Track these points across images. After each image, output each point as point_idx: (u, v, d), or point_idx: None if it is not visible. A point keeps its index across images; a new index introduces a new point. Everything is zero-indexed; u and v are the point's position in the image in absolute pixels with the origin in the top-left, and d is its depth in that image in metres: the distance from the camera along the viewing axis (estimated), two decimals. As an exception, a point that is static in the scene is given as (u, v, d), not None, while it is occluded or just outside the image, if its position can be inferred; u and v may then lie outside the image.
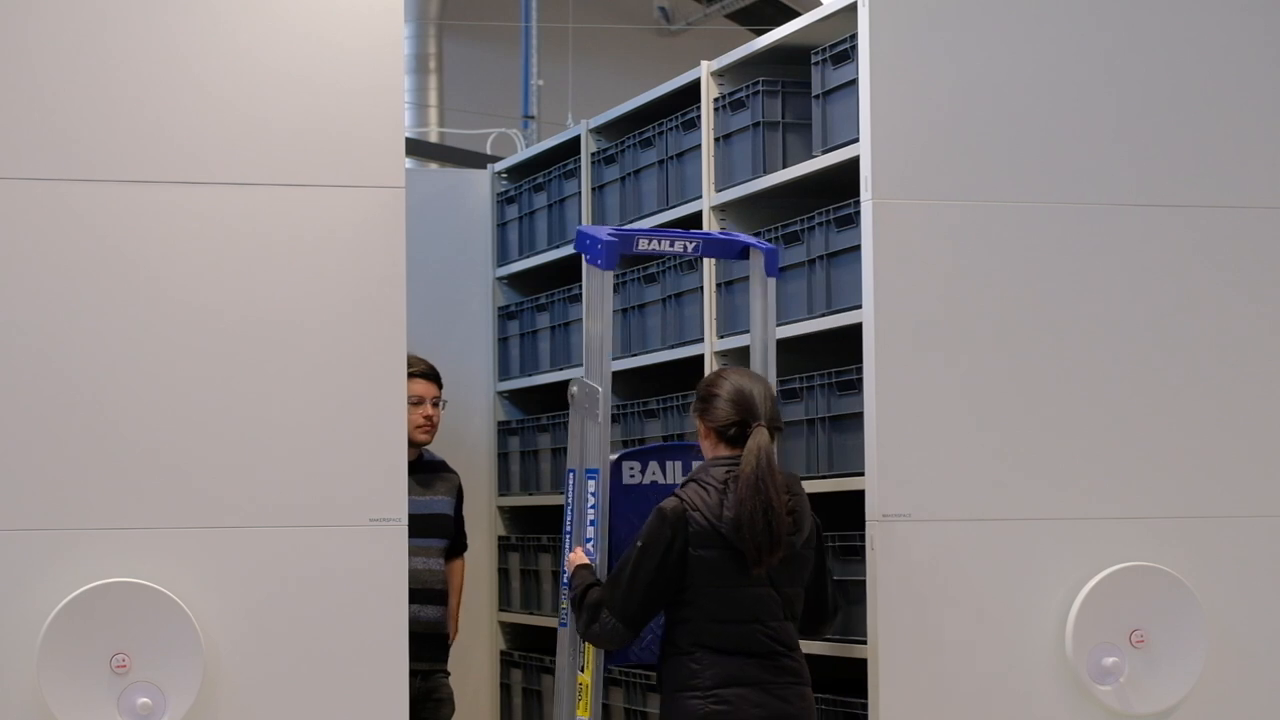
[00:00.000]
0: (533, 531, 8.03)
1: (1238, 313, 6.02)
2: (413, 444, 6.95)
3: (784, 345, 6.48)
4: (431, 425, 7.13)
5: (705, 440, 5.55)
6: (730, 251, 6.01)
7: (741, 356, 6.73)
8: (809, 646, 6.20)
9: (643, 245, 5.88)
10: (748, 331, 6.54)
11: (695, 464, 5.69)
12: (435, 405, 7.14)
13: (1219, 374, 6.00)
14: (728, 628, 5.39)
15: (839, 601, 5.73)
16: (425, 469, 7.17)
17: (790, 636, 5.48)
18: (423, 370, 7.08)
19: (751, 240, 5.97)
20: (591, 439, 5.73)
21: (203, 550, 5.40)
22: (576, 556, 5.67)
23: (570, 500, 5.75)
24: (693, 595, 5.39)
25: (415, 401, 6.97)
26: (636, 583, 5.40)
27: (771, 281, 5.89)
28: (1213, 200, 6.03)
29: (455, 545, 7.27)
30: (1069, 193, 5.93)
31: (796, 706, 5.44)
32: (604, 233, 5.80)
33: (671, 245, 5.93)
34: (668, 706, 5.47)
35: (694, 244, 5.97)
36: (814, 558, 5.56)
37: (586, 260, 5.76)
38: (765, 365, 5.87)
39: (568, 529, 5.75)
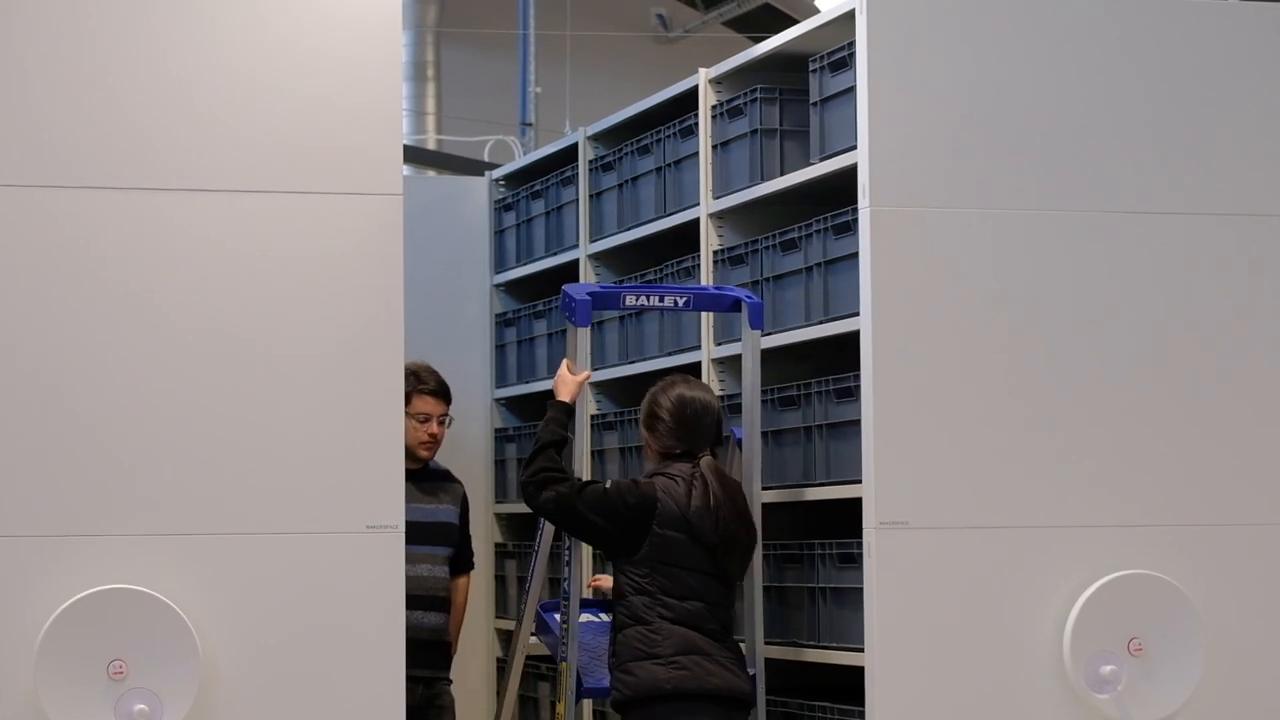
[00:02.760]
0: (529, 538, 7.99)
1: (1235, 321, 6.03)
2: (415, 457, 6.94)
3: (782, 352, 6.49)
4: (435, 443, 7.07)
5: (652, 454, 6.04)
6: (721, 305, 6.23)
7: (740, 364, 6.73)
8: (805, 655, 6.22)
9: (630, 301, 6.15)
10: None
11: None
12: (441, 423, 7.08)
13: (1217, 381, 6.00)
14: (684, 604, 5.84)
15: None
16: (430, 477, 7.14)
17: (732, 624, 5.96)
18: (433, 388, 7.02)
19: (742, 294, 6.18)
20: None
21: (200, 557, 5.40)
22: (565, 383, 6.00)
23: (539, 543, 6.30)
24: (652, 570, 5.84)
25: (422, 419, 6.94)
26: (600, 512, 5.82)
27: (756, 334, 6.12)
28: (1211, 208, 6.03)
29: (461, 561, 7.23)
30: (1067, 200, 5.93)
31: (744, 682, 5.88)
32: (583, 291, 6.00)
33: (661, 300, 6.17)
34: (630, 674, 5.83)
35: (685, 299, 6.19)
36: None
37: (565, 318, 6.06)
38: (752, 413, 6.14)
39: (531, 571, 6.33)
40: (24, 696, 5.26)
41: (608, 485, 5.92)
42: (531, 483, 5.91)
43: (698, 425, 5.99)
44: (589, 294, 6.06)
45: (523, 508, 7.95)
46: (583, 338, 6.05)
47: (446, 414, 7.09)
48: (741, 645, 6.04)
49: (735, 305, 6.18)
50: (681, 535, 5.85)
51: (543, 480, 5.90)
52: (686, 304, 6.19)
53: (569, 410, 6.03)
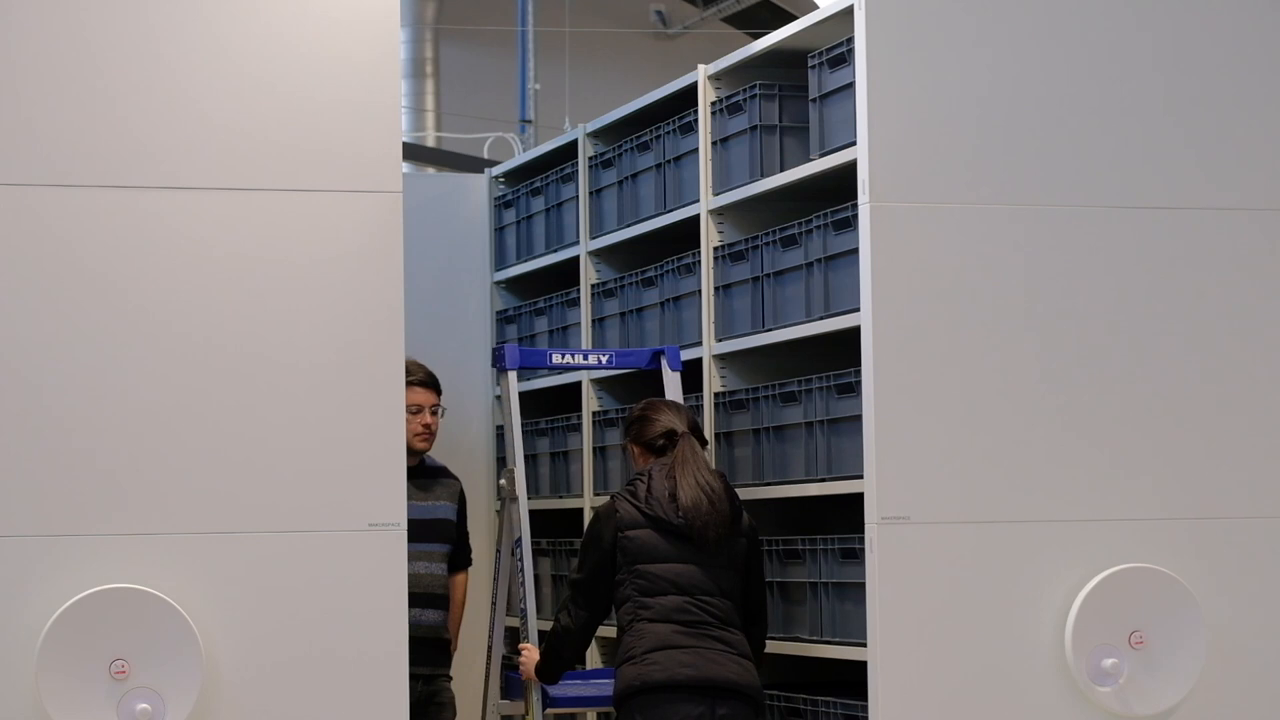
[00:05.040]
0: (530, 535, 8.02)
1: (1235, 315, 6.03)
2: (412, 452, 6.95)
3: (782, 348, 6.50)
4: (430, 433, 7.11)
5: (638, 460, 6.22)
6: (642, 360, 6.86)
7: (741, 359, 6.74)
8: (808, 650, 6.22)
9: (556, 360, 6.92)
10: (747, 334, 6.58)
11: None
12: (434, 413, 7.12)
13: (1217, 376, 6.00)
14: (661, 599, 5.95)
15: (767, 610, 6.19)
16: (426, 474, 7.16)
17: (725, 612, 5.97)
18: (421, 379, 7.06)
19: (656, 349, 6.80)
20: (515, 516, 6.72)
21: (202, 556, 5.40)
22: (531, 657, 6.37)
23: (500, 576, 6.89)
24: (626, 574, 6.00)
25: (414, 410, 6.96)
26: (584, 570, 6.08)
27: (677, 375, 6.70)
28: (1211, 203, 6.03)
29: (459, 558, 7.25)
30: (1067, 195, 5.93)
31: (728, 669, 5.90)
32: (514, 352, 6.82)
33: (585, 359, 6.92)
34: (615, 679, 5.99)
35: (607, 357, 6.92)
36: (748, 554, 6.07)
37: (496, 368, 6.88)
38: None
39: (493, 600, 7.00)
40: (26, 696, 5.26)
41: (581, 547, 6.18)
42: (564, 653, 6.20)
43: (669, 406, 6.25)
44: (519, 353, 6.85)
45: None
46: (511, 381, 6.77)
47: (438, 404, 7.12)
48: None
49: (654, 358, 6.81)
50: (644, 531, 5.99)
51: (562, 637, 6.16)
52: (610, 361, 6.91)
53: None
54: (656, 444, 6.15)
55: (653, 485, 6.03)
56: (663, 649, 5.91)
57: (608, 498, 6.16)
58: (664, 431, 6.14)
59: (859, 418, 5.86)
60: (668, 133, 7.05)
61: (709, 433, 6.70)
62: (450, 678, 7.20)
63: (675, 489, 5.99)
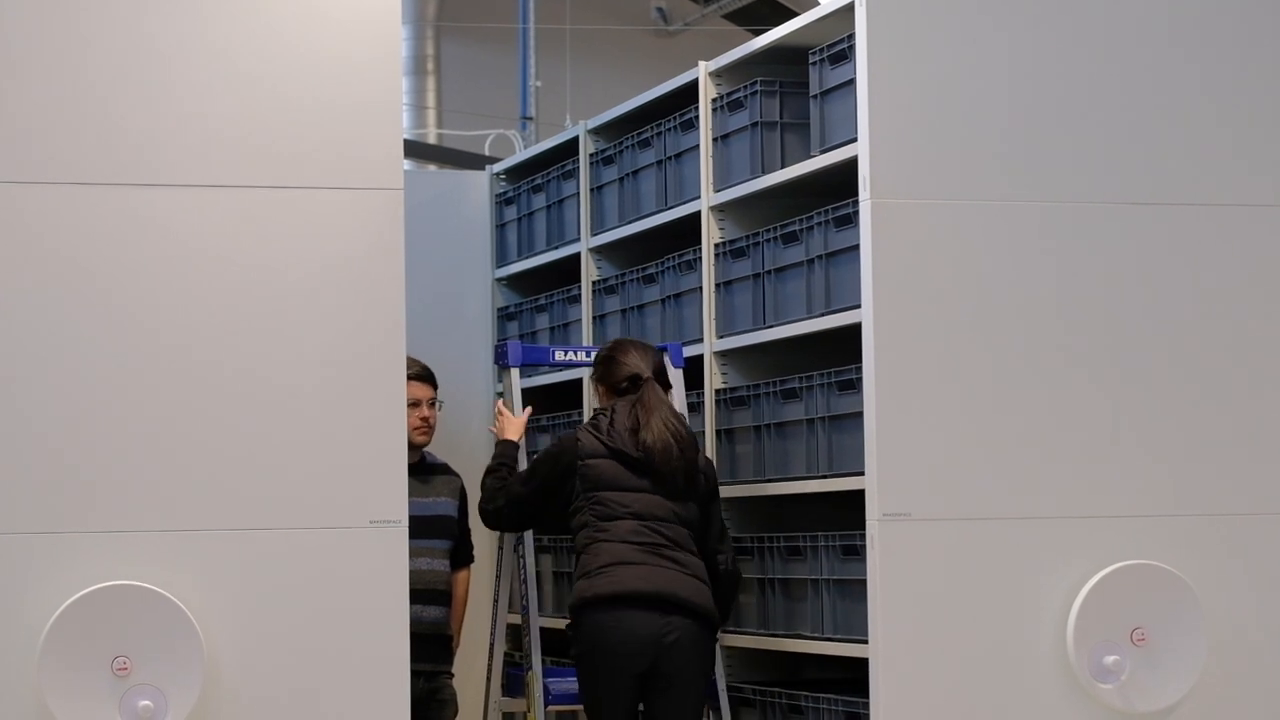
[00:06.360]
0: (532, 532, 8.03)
1: (1238, 310, 6.03)
2: (412, 446, 6.95)
3: (783, 345, 6.50)
4: (428, 427, 7.13)
5: (603, 399, 6.51)
6: None
7: (742, 356, 6.74)
8: (809, 647, 6.22)
9: (559, 357, 7.02)
10: (748, 331, 6.58)
11: None
12: (431, 406, 7.13)
13: (1219, 371, 6.00)
14: (615, 524, 6.22)
15: (730, 543, 6.41)
16: (427, 471, 7.16)
17: (681, 538, 6.24)
18: (417, 372, 7.06)
19: (660, 345, 6.79)
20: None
21: (203, 553, 5.40)
22: (510, 424, 6.72)
23: (501, 572, 7.01)
24: (584, 501, 6.29)
25: (411, 404, 6.96)
26: (532, 479, 6.45)
27: (679, 372, 6.73)
28: (1214, 198, 6.03)
29: (460, 554, 7.26)
30: (1068, 191, 5.93)
31: (681, 585, 6.15)
32: (517, 349, 6.97)
33: (587, 356, 6.91)
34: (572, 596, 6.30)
35: None
36: (707, 490, 6.34)
37: (499, 365, 7.01)
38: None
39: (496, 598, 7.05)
40: (28, 693, 5.26)
41: (536, 458, 6.55)
42: (488, 509, 6.60)
43: (636, 348, 6.48)
44: (521, 350, 6.98)
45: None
46: (515, 378, 6.90)
47: (435, 397, 7.14)
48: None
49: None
50: (604, 461, 6.28)
51: (491, 495, 6.57)
52: None
53: (516, 447, 6.73)
54: (620, 386, 6.41)
55: (615, 419, 6.31)
56: (616, 564, 6.18)
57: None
58: (629, 375, 6.40)
59: (860, 414, 5.87)
60: (669, 129, 7.05)
61: (710, 430, 6.70)
62: (452, 675, 7.20)
63: (639, 427, 6.25)
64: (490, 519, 6.64)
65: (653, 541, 6.21)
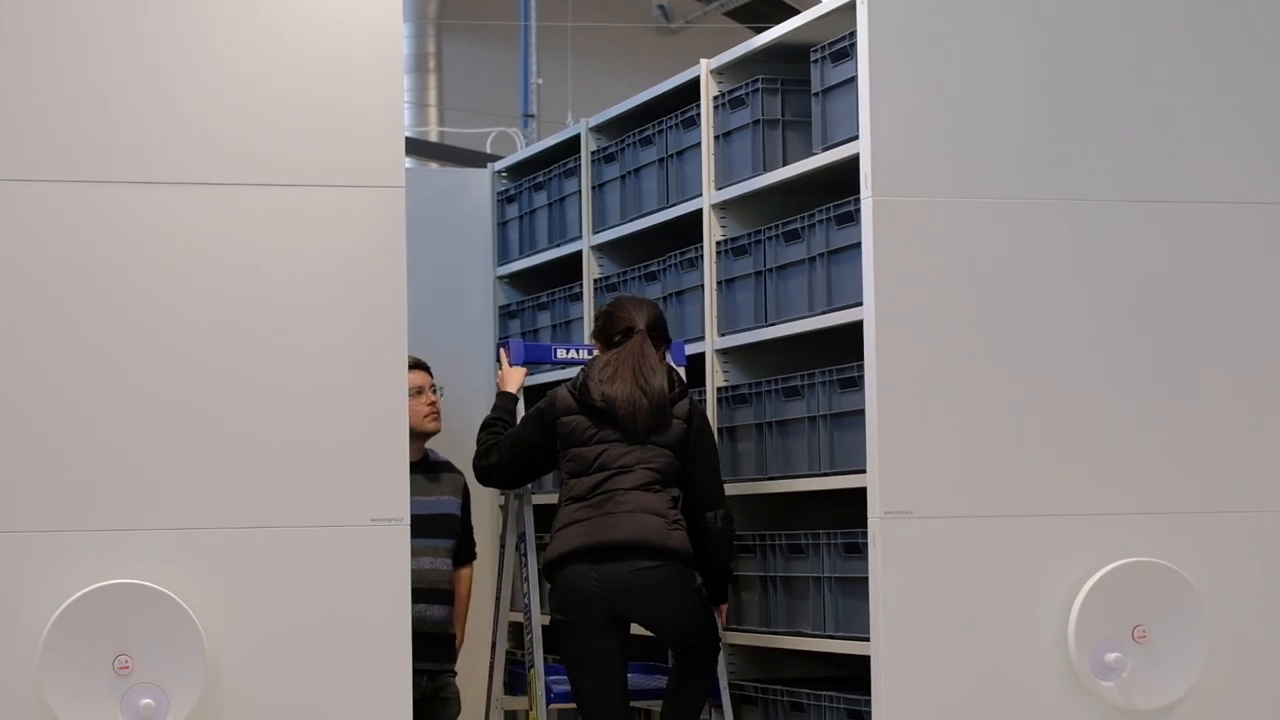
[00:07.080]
0: (534, 530, 8.02)
1: (1239, 308, 6.03)
2: (424, 434, 7.00)
3: (785, 343, 6.50)
4: (437, 412, 7.15)
5: (600, 347, 6.53)
6: None
7: (743, 354, 6.74)
8: (811, 644, 6.22)
9: (561, 355, 7.08)
10: (749, 329, 6.58)
11: None
12: (434, 391, 7.16)
13: (1221, 369, 6.00)
14: (580, 480, 6.35)
15: (723, 501, 6.41)
16: (430, 469, 7.17)
17: (642, 479, 6.28)
18: (411, 363, 7.07)
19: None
20: (519, 511, 6.92)
21: (205, 551, 5.40)
22: (509, 376, 6.87)
23: (504, 571, 7.06)
24: (564, 459, 6.41)
25: (415, 392, 6.96)
26: (517, 440, 6.56)
27: (681, 370, 6.66)
28: (1215, 195, 6.03)
29: (463, 552, 7.26)
30: (1069, 189, 5.93)
31: (621, 529, 6.22)
32: (520, 347, 7.03)
33: (590, 354, 6.85)
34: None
35: None
36: (688, 438, 6.35)
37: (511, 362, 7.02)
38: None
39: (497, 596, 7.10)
40: (29, 692, 5.27)
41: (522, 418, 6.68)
42: (481, 464, 6.67)
43: (635, 303, 6.52)
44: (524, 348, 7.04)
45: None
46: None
47: (434, 383, 7.15)
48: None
49: None
50: (575, 416, 6.38)
51: (485, 451, 6.64)
52: None
53: (514, 399, 6.81)
54: (614, 339, 6.46)
55: (590, 373, 6.41)
56: (564, 527, 6.32)
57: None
58: (623, 329, 6.45)
59: (861, 412, 5.86)
60: (670, 127, 7.05)
61: (712, 428, 6.70)
62: (455, 673, 7.20)
63: (611, 378, 6.33)
64: (482, 475, 6.72)
65: (606, 490, 6.30)
